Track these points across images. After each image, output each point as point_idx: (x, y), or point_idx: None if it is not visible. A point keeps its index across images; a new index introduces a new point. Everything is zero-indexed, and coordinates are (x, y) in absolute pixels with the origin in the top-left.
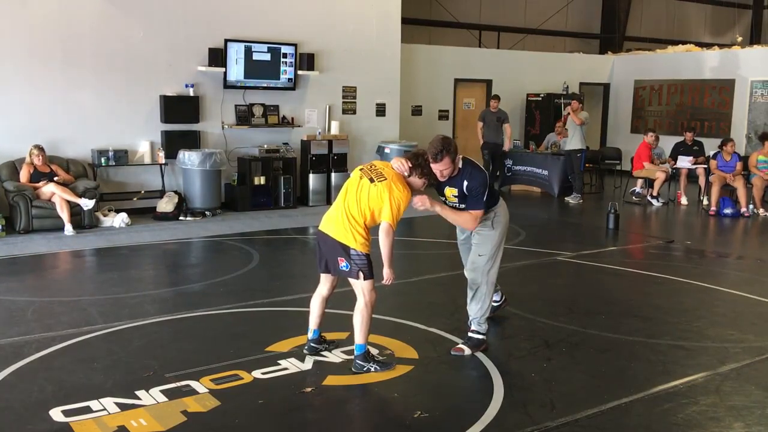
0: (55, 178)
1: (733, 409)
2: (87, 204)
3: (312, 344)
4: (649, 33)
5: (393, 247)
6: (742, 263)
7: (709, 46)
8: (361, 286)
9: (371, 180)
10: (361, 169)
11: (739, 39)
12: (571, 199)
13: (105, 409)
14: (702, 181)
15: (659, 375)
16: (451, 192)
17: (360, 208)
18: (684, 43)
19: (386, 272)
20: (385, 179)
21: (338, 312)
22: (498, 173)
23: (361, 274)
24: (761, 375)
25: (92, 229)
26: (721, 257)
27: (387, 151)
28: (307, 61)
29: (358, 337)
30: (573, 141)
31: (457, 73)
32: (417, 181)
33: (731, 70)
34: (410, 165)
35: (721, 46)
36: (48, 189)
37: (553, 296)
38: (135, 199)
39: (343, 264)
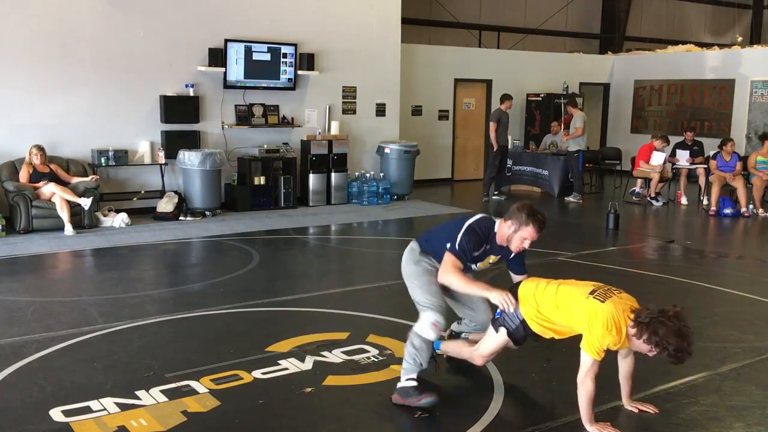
0: (76, 180)
1: (734, 409)
2: (87, 204)
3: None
4: (649, 33)
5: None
6: (742, 263)
7: (709, 46)
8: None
9: None
10: None
11: (739, 39)
12: (572, 198)
13: (105, 409)
14: (702, 181)
15: (660, 375)
16: (494, 259)
17: None
18: (684, 43)
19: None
20: None
21: (340, 312)
22: (502, 177)
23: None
24: (761, 375)
25: (92, 229)
26: (721, 257)
27: (387, 151)
28: (307, 61)
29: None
30: (571, 142)
31: (457, 73)
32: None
33: (731, 70)
34: None
35: (722, 46)
36: (48, 189)
37: None
38: (135, 199)
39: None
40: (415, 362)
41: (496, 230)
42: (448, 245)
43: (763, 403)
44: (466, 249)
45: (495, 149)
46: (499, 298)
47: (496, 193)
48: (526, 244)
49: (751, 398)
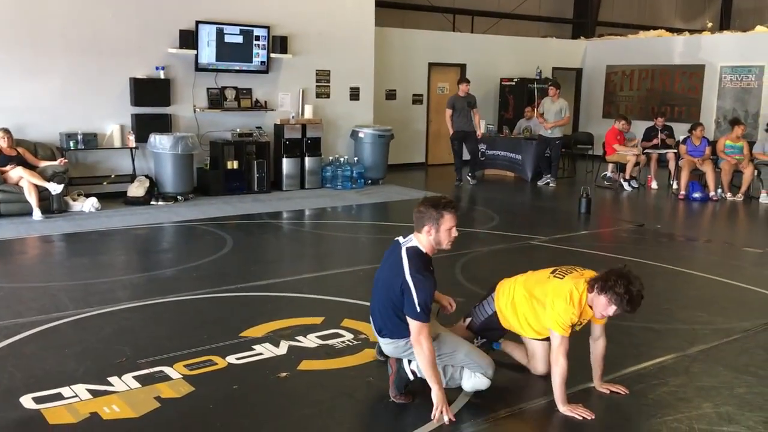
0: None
1: (702, 390)
2: (56, 188)
3: None
4: (621, 18)
5: None
6: (711, 247)
7: (679, 31)
8: None
9: None
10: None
11: (709, 25)
12: (549, 180)
13: (77, 396)
14: (672, 165)
15: (630, 357)
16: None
17: None
18: (655, 28)
19: None
20: None
21: (314, 297)
22: (475, 160)
23: None
24: (729, 356)
25: (61, 213)
26: (690, 241)
27: (361, 135)
28: (280, 44)
29: None
30: (554, 130)
31: (431, 57)
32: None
33: (701, 55)
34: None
35: (692, 31)
36: (15, 173)
37: None
38: (105, 183)
39: None
40: (430, 379)
41: (424, 250)
42: (409, 310)
43: (731, 383)
44: (427, 305)
45: (451, 134)
46: (440, 401)
47: (470, 175)
48: (455, 232)
49: (719, 379)
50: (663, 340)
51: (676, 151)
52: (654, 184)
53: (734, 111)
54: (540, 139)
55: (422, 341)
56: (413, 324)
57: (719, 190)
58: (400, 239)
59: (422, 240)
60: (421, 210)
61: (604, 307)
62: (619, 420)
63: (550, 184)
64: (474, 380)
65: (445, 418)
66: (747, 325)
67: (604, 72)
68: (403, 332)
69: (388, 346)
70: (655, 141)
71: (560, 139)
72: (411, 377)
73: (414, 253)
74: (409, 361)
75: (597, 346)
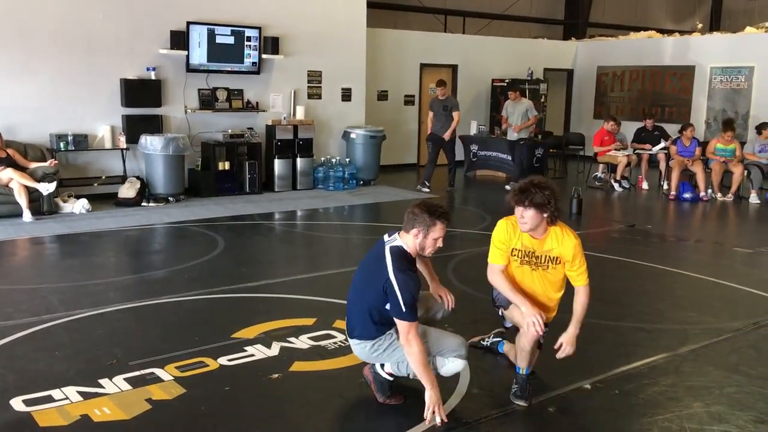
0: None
1: (693, 389)
2: (47, 189)
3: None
4: (612, 19)
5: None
6: (701, 247)
7: (670, 32)
8: None
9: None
10: None
11: (700, 26)
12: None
13: (67, 398)
14: (663, 166)
15: (621, 357)
16: None
17: None
18: (646, 29)
19: None
20: None
21: (307, 298)
22: (451, 166)
23: None
24: (719, 355)
25: (52, 215)
26: (680, 241)
27: (353, 136)
28: (271, 45)
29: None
30: (521, 132)
31: (423, 58)
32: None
33: (691, 56)
34: None
35: (682, 32)
36: (5, 174)
37: None
38: (96, 184)
39: None
40: (407, 375)
41: (408, 250)
42: (395, 311)
43: (721, 382)
44: (413, 303)
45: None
46: (432, 404)
47: (425, 182)
48: (440, 243)
49: (709, 378)
50: (653, 339)
51: (666, 151)
52: (645, 185)
53: (724, 112)
54: (508, 143)
55: (411, 341)
56: (401, 324)
57: (709, 191)
58: (386, 237)
59: (408, 241)
60: (415, 212)
61: (538, 221)
62: (609, 419)
63: (507, 186)
64: (449, 365)
65: (438, 419)
66: (737, 325)
67: (595, 73)
68: (372, 333)
69: (356, 347)
70: (666, 144)
71: (525, 140)
72: (390, 378)
73: (398, 252)
74: (382, 366)
75: (577, 303)
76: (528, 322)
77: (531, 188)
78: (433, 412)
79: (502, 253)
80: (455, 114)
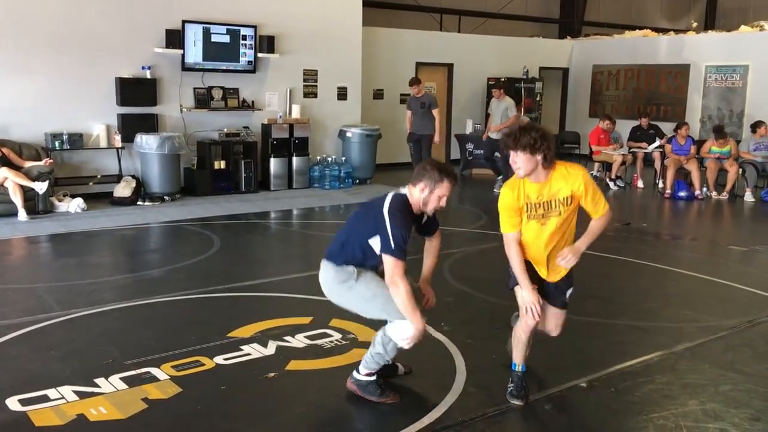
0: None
1: (688, 387)
2: (41, 188)
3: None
4: (607, 18)
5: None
6: (696, 245)
7: (665, 31)
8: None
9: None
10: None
11: (694, 24)
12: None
13: (63, 398)
14: (658, 164)
15: (617, 355)
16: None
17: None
18: (641, 28)
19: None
20: None
21: (303, 297)
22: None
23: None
24: (714, 353)
25: (47, 214)
26: (676, 239)
27: (349, 135)
28: (267, 44)
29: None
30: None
31: (419, 57)
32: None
33: (686, 55)
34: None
35: (677, 31)
36: (0, 173)
37: None
38: (91, 183)
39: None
40: (379, 362)
41: (410, 200)
42: (383, 246)
43: (717, 380)
44: (403, 242)
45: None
46: (418, 327)
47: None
48: (443, 202)
49: (704, 376)
50: (649, 338)
51: (662, 150)
52: (640, 183)
53: (719, 110)
54: (487, 140)
55: (397, 281)
56: (387, 261)
57: (705, 189)
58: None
59: (414, 193)
60: (426, 168)
61: (537, 162)
62: (605, 418)
63: (495, 189)
64: (398, 329)
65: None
66: (732, 323)
67: (590, 71)
68: (339, 258)
69: (321, 271)
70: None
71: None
72: (371, 378)
73: (399, 197)
74: (358, 370)
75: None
76: (525, 307)
77: (517, 132)
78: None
79: (511, 219)
80: (435, 112)
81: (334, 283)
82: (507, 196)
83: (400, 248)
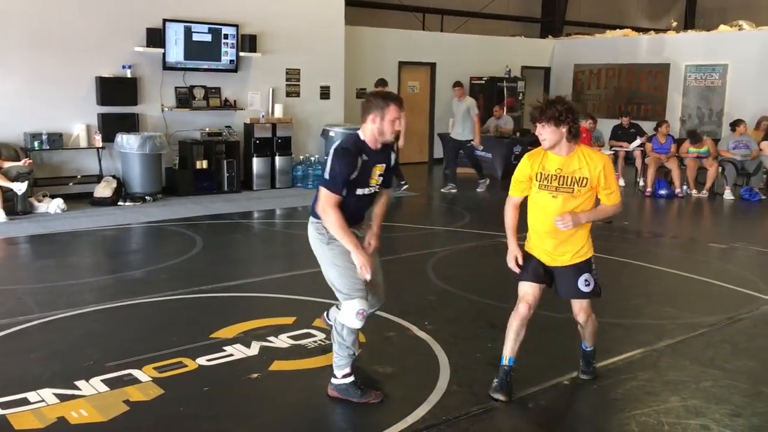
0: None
1: (670, 384)
2: (20, 188)
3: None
4: (589, 18)
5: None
6: (677, 242)
7: (645, 31)
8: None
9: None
10: None
11: (674, 24)
12: (480, 189)
13: (43, 401)
14: (639, 163)
15: (599, 352)
16: (380, 169)
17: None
18: (621, 27)
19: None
20: None
21: (286, 297)
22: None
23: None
24: (695, 350)
25: (26, 215)
26: (656, 237)
27: (332, 134)
28: (249, 43)
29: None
30: (465, 132)
31: (401, 56)
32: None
33: (666, 54)
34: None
35: (657, 31)
36: None
37: (498, 278)
38: (71, 184)
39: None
40: (347, 356)
41: (363, 138)
42: (321, 179)
43: (698, 377)
44: (338, 175)
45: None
46: (360, 261)
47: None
48: (398, 125)
49: (685, 372)
50: (631, 335)
51: (642, 149)
52: (621, 182)
53: (699, 109)
54: (452, 141)
55: (327, 210)
56: (321, 192)
57: (685, 187)
58: None
59: (366, 129)
60: (369, 100)
61: (561, 134)
62: (588, 414)
63: (478, 189)
64: (344, 311)
65: (367, 276)
66: (713, 320)
67: (571, 71)
68: (316, 212)
69: (310, 225)
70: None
71: (471, 141)
72: (350, 380)
73: (349, 136)
74: (334, 376)
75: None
76: (508, 261)
77: (545, 105)
78: (362, 268)
79: (519, 185)
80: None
81: (313, 238)
82: (524, 164)
83: (334, 180)
